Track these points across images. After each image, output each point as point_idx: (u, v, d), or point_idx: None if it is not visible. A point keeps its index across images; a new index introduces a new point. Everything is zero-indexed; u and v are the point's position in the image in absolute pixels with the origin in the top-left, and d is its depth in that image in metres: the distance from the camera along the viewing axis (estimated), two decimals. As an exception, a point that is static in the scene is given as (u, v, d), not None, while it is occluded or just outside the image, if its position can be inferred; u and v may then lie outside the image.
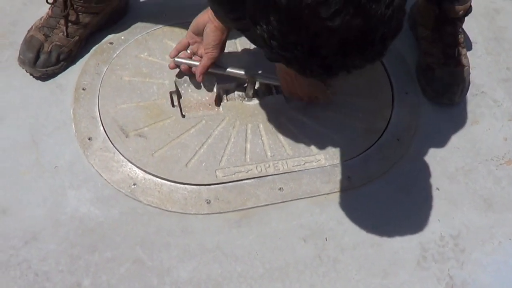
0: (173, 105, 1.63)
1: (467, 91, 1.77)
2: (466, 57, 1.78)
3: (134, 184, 1.50)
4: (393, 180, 1.60)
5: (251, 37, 1.26)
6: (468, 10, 1.73)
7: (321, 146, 1.61)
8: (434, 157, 1.66)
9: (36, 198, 1.48)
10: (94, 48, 1.72)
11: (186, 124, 1.60)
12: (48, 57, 1.64)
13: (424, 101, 1.75)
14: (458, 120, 1.74)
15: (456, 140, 1.70)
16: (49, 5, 1.66)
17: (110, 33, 1.76)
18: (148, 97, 1.63)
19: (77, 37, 1.67)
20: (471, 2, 1.73)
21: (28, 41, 1.64)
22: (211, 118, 1.60)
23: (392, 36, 1.02)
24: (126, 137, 1.55)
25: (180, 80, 1.65)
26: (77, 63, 1.70)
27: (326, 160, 1.59)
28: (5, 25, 1.76)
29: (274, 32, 1.00)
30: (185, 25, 1.67)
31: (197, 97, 1.65)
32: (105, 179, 1.50)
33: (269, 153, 1.58)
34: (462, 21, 1.75)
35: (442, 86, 1.73)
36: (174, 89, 1.65)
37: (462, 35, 1.76)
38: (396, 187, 1.59)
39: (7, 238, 1.42)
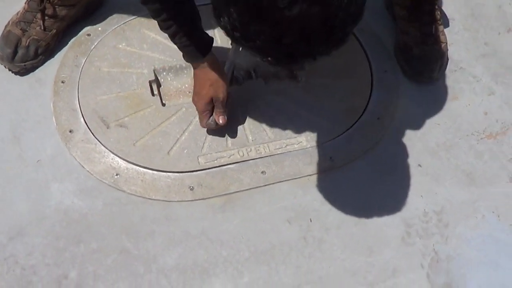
0: (153, 94, 1.63)
1: (445, 68, 1.78)
2: (444, 34, 1.79)
3: (117, 174, 1.50)
4: (375, 159, 1.61)
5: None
6: None
7: (302, 128, 1.61)
8: (415, 134, 1.67)
9: (20, 193, 1.48)
10: (72, 40, 1.72)
11: (167, 112, 1.60)
12: (26, 51, 1.63)
13: (403, 79, 1.76)
14: (437, 96, 1.75)
15: (436, 116, 1.71)
16: (25, 2, 1.66)
17: (87, 25, 1.75)
18: (127, 87, 1.64)
19: (54, 30, 1.67)
20: (445, -20, 1.74)
21: (6, 37, 1.64)
22: (191, 105, 1.59)
23: (352, 22, 1.03)
24: (107, 128, 1.56)
25: (159, 68, 1.65)
26: (56, 56, 1.69)
27: (308, 142, 1.60)
28: (-19, 21, 1.75)
29: (235, 23, 1.01)
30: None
31: (177, 85, 1.65)
32: (88, 171, 1.51)
33: (250, 137, 1.58)
34: None
35: (421, 64, 1.74)
36: (153, 78, 1.65)
37: (439, 12, 1.77)
38: (378, 166, 1.60)
39: (-8, 234, 1.42)
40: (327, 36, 1.01)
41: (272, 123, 1.61)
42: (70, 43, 1.71)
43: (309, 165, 1.57)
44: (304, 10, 0.95)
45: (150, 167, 1.52)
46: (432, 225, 1.53)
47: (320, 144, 1.60)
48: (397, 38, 1.80)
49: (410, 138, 1.66)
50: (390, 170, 1.60)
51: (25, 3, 1.67)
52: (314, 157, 1.58)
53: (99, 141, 1.54)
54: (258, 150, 1.57)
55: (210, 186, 1.51)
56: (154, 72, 1.65)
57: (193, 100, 1.55)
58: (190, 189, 1.50)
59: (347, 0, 0.98)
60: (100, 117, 1.57)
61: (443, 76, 1.78)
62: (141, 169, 1.51)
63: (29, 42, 1.63)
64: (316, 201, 1.53)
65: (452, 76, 1.79)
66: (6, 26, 1.66)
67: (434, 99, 1.74)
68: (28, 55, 1.64)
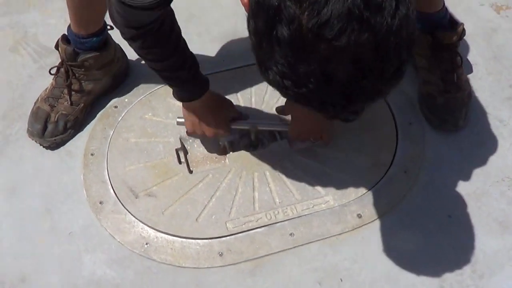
0: (179, 162, 1.66)
1: (470, 114, 1.76)
2: (467, 80, 1.79)
3: (146, 244, 1.52)
4: (404, 213, 1.60)
5: None
6: (462, 34, 1.74)
7: (329, 186, 1.62)
8: (443, 185, 1.65)
9: (53, 264, 1.52)
10: (99, 113, 1.77)
11: (194, 179, 1.63)
12: (55, 126, 1.68)
13: (428, 130, 1.75)
14: (464, 144, 1.73)
15: (464, 165, 1.70)
16: (53, 76, 1.72)
17: (114, 97, 1.80)
18: (155, 156, 1.67)
19: (81, 105, 1.72)
20: (463, 26, 1.74)
21: (35, 113, 1.70)
22: (217, 171, 1.63)
23: (406, 47, 0.97)
24: (136, 197, 1.59)
25: (185, 136, 1.69)
26: (84, 129, 1.74)
27: (335, 201, 1.60)
28: (13, 98, 1.82)
29: (284, 70, 0.96)
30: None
31: (203, 151, 1.68)
32: (119, 241, 1.54)
33: (277, 200, 1.59)
34: (457, 45, 1.76)
35: (445, 113, 1.73)
36: (179, 146, 1.68)
37: (460, 58, 1.77)
38: (407, 220, 1.59)
39: (27, 308, 1.45)
40: (382, 66, 0.95)
41: (298, 184, 1.62)
42: (98, 115, 1.76)
43: (337, 224, 1.57)
44: (354, 38, 0.90)
45: (179, 235, 1.53)
46: (467, 277, 1.50)
47: (347, 202, 1.60)
48: (419, 88, 1.80)
49: (439, 189, 1.65)
50: (420, 223, 1.59)
51: (53, 79, 1.73)
52: (342, 215, 1.58)
53: (129, 211, 1.57)
54: (286, 212, 1.58)
55: (239, 251, 1.52)
56: (180, 140, 1.69)
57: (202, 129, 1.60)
58: (220, 255, 1.51)
59: (397, 24, 0.92)
60: (129, 187, 1.61)
61: (468, 123, 1.76)
62: (170, 237, 1.53)
63: (58, 118, 1.69)
64: (346, 260, 1.52)
65: (478, 122, 1.78)
66: (35, 103, 1.73)
67: (460, 147, 1.73)
68: (58, 130, 1.69)
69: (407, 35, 0.95)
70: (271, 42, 0.95)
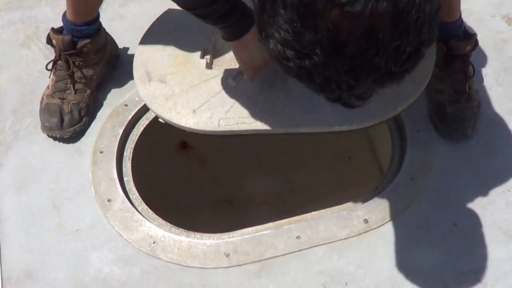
0: (202, 57, 1.65)
1: (478, 124, 1.77)
2: (477, 91, 1.79)
3: (154, 242, 1.53)
4: (410, 220, 1.61)
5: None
6: (475, 45, 1.74)
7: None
8: (450, 193, 1.66)
9: (59, 261, 1.53)
10: (110, 111, 1.77)
11: (208, 74, 1.62)
12: (71, 116, 1.70)
13: (437, 138, 1.75)
14: (472, 154, 1.73)
15: (471, 174, 1.70)
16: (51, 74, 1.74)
17: (125, 94, 1.80)
18: (182, 47, 1.67)
19: (88, 91, 1.74)
20: (476, 37, 1.74)
21: (47, 109, 1.70)
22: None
23: (428, 24, 0.85)
24: (149, 81, 1.60)
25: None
26: (94, 127, 1.74)
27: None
28: (24, 94, 1.82)
29: (287, 37, 0.86)
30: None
31: (232, 54, 1.59)
32: (126, 239, 1.54)
33: (279, 109, 1.55)
34: (470, 55, 1.77)
35: (454, 122, 1.73)
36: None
37: (472, 68, 1.77)
38: (413, 226, 1.60)
39: (33, 302, 1.46)
40: (399, 43, 0.84)
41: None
42: (108, 113, 1.77)
43: (344, 228, 1.57)
44: (370, 6, 0.79)
45: (171, 121, 1.53)
46: (470, 285, 1.51)
47: (354, 207, 1.61)
48: (430, 97, 1.80)
49: (445, 197, 1.65)
50: (426, 230, 1.59)
51: (52, 74, 1.74)
52: (349, 220, 1.59)
53: (137, 210, 1.58)
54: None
55: (245, 252, 1.52)
56: (212, 39, 1.67)
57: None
58: (226, 255, 1.52)
59: None
60: (146, 70, 1.62)
61: (477, 132, 1.77)
62: (177, 236, 1.54)
63: (71, 107, 1.70)
64: (351, 264, 1.53)
65: (486, 132, 1.78)
66: (41, 102, 1.73)
67: (468, 156, 1.73)
68: (75, 119, 1.70)
69: (430, 11, 0.85)
70: (275, 3, 0.85)
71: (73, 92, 1.72)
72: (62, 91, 1.72)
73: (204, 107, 1.56)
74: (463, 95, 1.75)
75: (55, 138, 1.71)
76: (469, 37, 1.73)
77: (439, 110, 1.76)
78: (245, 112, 1.55)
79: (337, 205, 1.62)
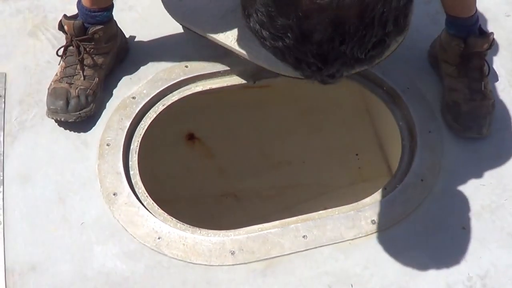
0: None
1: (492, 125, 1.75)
2: (491, 90, 1.77)
3: (159, 238, 1.52)
4: (418, 221, 1.59)
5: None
6: (492, 43, 1.73)
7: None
8: (459, 196, 1.64)
9: (64, 254, 1.51)
10: (117, 103, 1.75)
11: None
12: (78, 100, 1.67)
13: (447, 139, 1.74)
14: (482, 156, 1.72)
15: (481, 176, 1.68)
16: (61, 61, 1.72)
17: (133, 87, 1.79)
18: None
19: (96, 79, 1.71)
20: (493, 35, 1.72)
21: (53, 93, 1.67)
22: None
23: (394, 18, 0.92)
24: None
25: None
26: (101, 119, 1.72)
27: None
28: (31, 84, 1.80)
29: (263, 19, 0.94)
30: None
31: None
32: (131, 234, 1.53)
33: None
34: (486, 53, 1.75)
35: (470, 119, 1.71)
36: None
37: (487, 67, 1.76)
38: (421, 229, 1.58)
39: (36, 295, 1.45)
40: (364, 33, 0.91)
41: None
42: (115, 105, 1.74)
43: (351, 229, 1.56)
44: None
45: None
46: (477, 290, 1.50)
47: (362, 208, 1.59)
48: (444, 96, 1.78)
49: (454, 199, 1.64)
50: (433, 233, 1.58)
51: (62, 61, 1.72)
52: (356, 221, 1.57)
53: (142, 204, 1.57)
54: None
55: (251, 250, 1.51)
56: None
57: None
58: (231, 253, 1.50)
59: None
60: None
61: (488, 134, 1.75)
62: (183, 232, 1.53)
63: (78, 92, 1.67)
64: (358, 265, 1.52)
65: (498, 135, 1.76)
66: (49, 88, 1.70)
67: (479, 158, 1.71)
68: (81, 104, 1.67)
69: (396, 6, 0.92)
70: None
71: (82, 77, 1.69)
72: (70, 76, 1.69)
73: None
74: (479, 93, 1.73)
75: (60, 123, 1.69)
76: (486, 34, 1.72)
77: (453, 109, 1.74)
78: None
79: (342, 200, 1.60)
